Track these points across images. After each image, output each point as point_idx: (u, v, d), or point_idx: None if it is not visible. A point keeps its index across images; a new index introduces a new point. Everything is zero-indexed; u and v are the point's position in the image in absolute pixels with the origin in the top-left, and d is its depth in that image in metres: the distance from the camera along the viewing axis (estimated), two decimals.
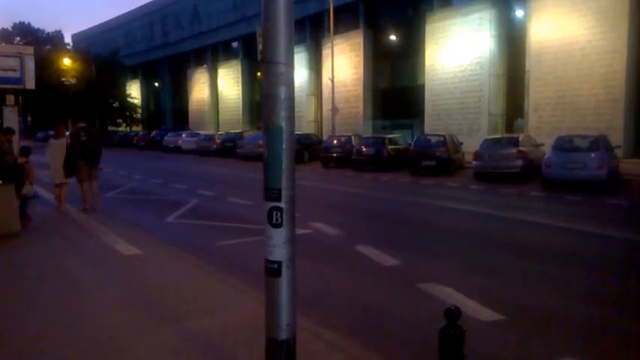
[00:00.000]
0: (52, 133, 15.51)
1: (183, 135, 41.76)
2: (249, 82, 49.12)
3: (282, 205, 3.32)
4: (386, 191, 17.28)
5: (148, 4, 63.47)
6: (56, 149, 12.14)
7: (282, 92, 3.27)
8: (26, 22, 79.74)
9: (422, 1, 34.63)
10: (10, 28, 78.02)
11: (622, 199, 14.18)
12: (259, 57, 3.65)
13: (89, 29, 75.86)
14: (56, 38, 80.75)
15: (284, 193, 3.32)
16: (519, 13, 28.46)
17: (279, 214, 3.33)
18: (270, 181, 3.33)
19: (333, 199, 15.77)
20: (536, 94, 26.11)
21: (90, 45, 61.79)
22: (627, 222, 11.73)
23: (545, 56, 25.59)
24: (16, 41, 71.04)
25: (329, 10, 31.92)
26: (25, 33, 77.76)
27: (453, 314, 3.17)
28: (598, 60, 23.65)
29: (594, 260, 8.14)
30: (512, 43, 28.68)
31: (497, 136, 22.13)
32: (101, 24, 73.29)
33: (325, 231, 10.07)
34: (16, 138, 11.62)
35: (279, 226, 3.34)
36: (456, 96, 30.12)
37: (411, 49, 34.13)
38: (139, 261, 7.75)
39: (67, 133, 13.28)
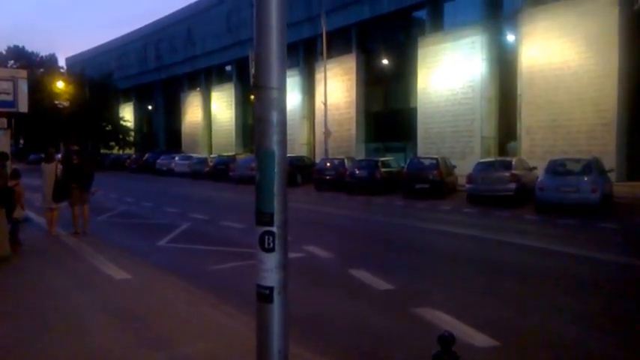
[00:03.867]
0: (43, 156, 15.41)
1: (176, 158, 41.69)
2: (243, 105, 49.27)
3: (274, 229, 3.28)
4: (379, 214, 17.24)
5: (143, 27, 63.89)
6: (47, 173, 12.03)
7: (275, 117, 3.26)
8: (20, 46, 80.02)
9: (414, 26, 35.07)
10: (4, 52, 78.16)
11: (616, 222, 14.19)
12: (252, 82, 3.66)
13: (83, 52, 76.09)
14: (50, 61, 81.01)
15: (276, 217, 3.28)
16: (510, 37, 28.77)
17: (271, 239, 3.29)
18: (262, 204, 3.30)
19: (326, 222, 15.71)
20: (528, 117, 26.30)
21: (84, 68, 61.96)
22: (621, 245, 11.73)
23: (536, 80, 25.83)
24: (9, 64, 71.08)
25: (322, 35, 32.18)
26: (19, 56, 77.92)
27: (446, 340, 3.12)
28: (589, 84, 23.86)
29: (588, 284, 8.11)
30: (504, 67, 28.95)
31: (490, 159, 22.21)
32: (95, 47, 73.51)
33: (318, 254, 10.00)
34: (7, 161, 11.55)
35: (271, 250, 3.30)
36: (449, 119, 30.29)
37: (404, 73, 34.40)
38: (129, 285, 7.65)
39: (59, 156, 13.21)
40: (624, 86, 23.32)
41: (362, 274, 8.28)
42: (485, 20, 29.33)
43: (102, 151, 57.06)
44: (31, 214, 13.05)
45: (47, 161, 12.39)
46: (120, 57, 66.62)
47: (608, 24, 23.22)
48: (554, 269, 9.08)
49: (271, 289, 3.30)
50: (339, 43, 37.57)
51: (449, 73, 30.27)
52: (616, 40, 23.07)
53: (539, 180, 17.02)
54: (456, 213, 16.97)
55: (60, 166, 12.06)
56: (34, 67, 70.44)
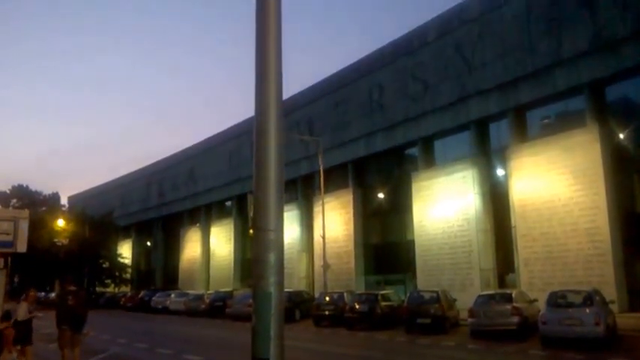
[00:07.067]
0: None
1: (172, 295, 40.98)
2: (242, 240, 49.35)
3: None
4: (382, 352, 16.68)
5: (146, 167, 65.95)
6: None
7: (272, 258, 3.32)
8: (24, 185, 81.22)
9: (407, 161, 36.28)
10: (7, 191, 79.23)
11: (623, 356, 13.74)
12: (250, 224, 3.76)
13: (86, 191, 77.79)
14: (52, 200, 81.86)
15: None
16: (500, 171, 29.57)
17: None
18: (257, 350, 3.24)
19: None
20: (524, 249, 26.29)
21: (85, 206, 62.87)
22: None
23: (529, 212, 26.16)
24: (12, 203, 72.00)
25: (319, 171, 33.14)
26: (23, 195, 78.80)
27: None
28: (581, 216, 24.13)
29: None
30: (497, 200, 29.41)
31: (490, 292, 21.84)
32: (98, 186, 75.32)
33: None
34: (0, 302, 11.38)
35: None
36: (446, 251, 30.28)
37: (400, 206, 34.96)
38: None
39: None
40: (615, 217, 23.54)
41: None
42: (474, 155, 30.34)
43: (97, 288, 56.20)
44: None
45: (24, 301, 12.19)
46: (122, 195, 68.03)
47: (593, 157, 23.97)
48: None
49: None
50: (336, 178, 38.62)
51: (443, 206, 30.76)
52: (601, 173, 23.59)
53: (541, 313, 16.71)
54: (461, 350, 16.44)
55: (24, 305, 11.76)
56: (37, 205, 71.26)
